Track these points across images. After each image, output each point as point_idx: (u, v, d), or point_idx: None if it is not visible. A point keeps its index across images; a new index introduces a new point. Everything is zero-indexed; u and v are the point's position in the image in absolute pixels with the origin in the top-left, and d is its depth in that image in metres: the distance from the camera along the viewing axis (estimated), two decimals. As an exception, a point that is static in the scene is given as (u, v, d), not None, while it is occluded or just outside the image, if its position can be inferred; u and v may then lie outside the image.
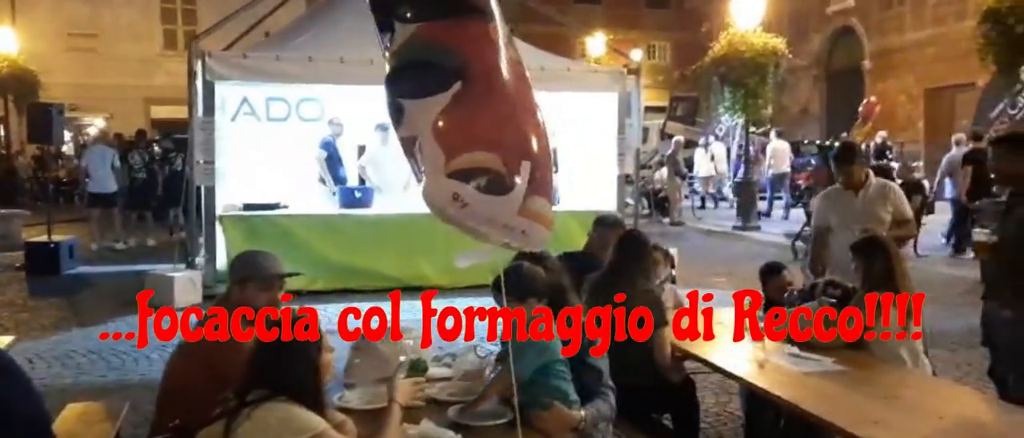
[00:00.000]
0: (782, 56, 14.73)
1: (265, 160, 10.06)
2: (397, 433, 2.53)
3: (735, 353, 4.14)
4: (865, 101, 17.36)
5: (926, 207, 12.39)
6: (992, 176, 4.73)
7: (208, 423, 2.35)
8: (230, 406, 2.32)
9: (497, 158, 2.64)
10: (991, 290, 4.55)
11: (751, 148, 18.04)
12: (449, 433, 2.67)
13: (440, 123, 2.61)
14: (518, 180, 2.68)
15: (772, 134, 18.54)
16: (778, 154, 18.07)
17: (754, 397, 4.34)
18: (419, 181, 2.74)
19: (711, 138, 21.52)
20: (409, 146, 2.74)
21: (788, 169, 18.20)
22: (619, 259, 4.17)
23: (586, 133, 10.63)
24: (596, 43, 27.54)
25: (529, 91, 2.86)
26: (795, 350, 3.95)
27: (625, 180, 11.01)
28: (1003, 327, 4.46)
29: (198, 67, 8.91)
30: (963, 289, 9.45)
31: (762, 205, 18.10)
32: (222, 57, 9.27)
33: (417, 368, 3.10)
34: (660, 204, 18.55)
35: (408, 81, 2.68)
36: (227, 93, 9.90)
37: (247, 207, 9.43)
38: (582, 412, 3.09)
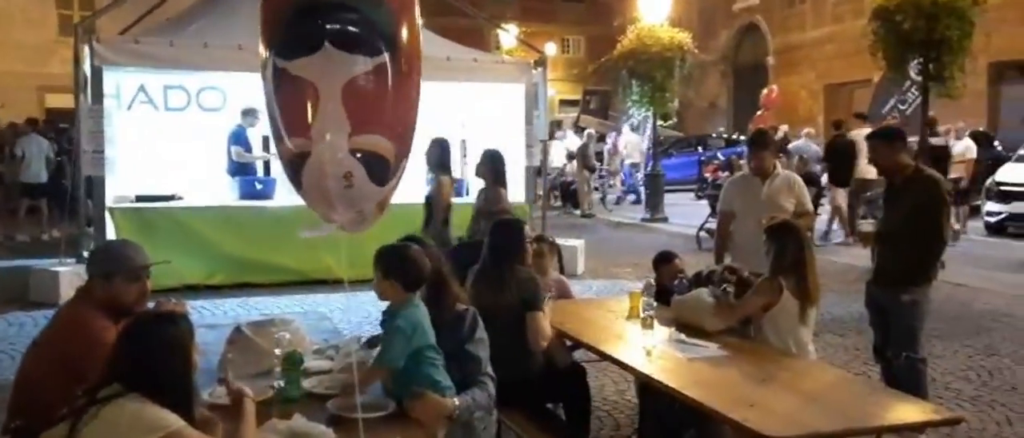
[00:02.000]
0: (689, 51, 14.99)
1: (163, 151, 9.69)
2: (252, 430, 2.43)
3: (626, 341, 4.18)
4: (766, 90, 17.95)
5: (821, 197, 12.84)
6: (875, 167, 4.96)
7: (53, 423, 2.21)
8: (78, 404, 2.19)
9: (392, 148, 2.58)
10: (876, 276, 4.75)
11: (609, 140, 18.81)
12: (320, 427, 2.60)
13: (354, 91, 2.44)
14: (396, 176, 2.63)
15: (625, 127, 19.48)
16: (630, 146, 19.45)
17: (647, 384, 4.40)
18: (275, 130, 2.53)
19: (623, 128, 21.89)
20: (288, 84, 2.49)
21: (639, 159, 19.59)
22: (494, 246, 4.16)
23: (494, 125, 10.59)
24: (509, 36, 27.57)
25: (419, 85, 2.78)
26: (682, 337, 4.01)
27: (535, 172, 11.03)
28: (887, 310, 4.68)
29: (86, 52, 8.49)
30: (855, 277, 9.81)
31: (612, 195, 19.76)
32: (111, 42, 8.86)
33: (293, 361, 3.02)
34: (571, 196, 18.72)
35: (336, 21, 2.45)
36: (122, 80, 9.48)
37: (140, 199, 9.07)
38: (456, 400, 3.06)
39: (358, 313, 6.99)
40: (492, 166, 6.82)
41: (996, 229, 13.19)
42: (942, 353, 6.52)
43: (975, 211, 13.45)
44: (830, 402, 3.29)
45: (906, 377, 4.50)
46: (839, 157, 12.64)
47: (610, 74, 17.22)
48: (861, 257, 10.50)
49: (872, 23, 10.30)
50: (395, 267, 3.07)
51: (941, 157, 11.80)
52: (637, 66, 14.91)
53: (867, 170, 11.88)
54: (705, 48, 22.60)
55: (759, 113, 16.54)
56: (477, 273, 4.13)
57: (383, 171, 2.58)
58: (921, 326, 4.65)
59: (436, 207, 6.74)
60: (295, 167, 2.56)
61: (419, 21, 2.70)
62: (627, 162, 19.79)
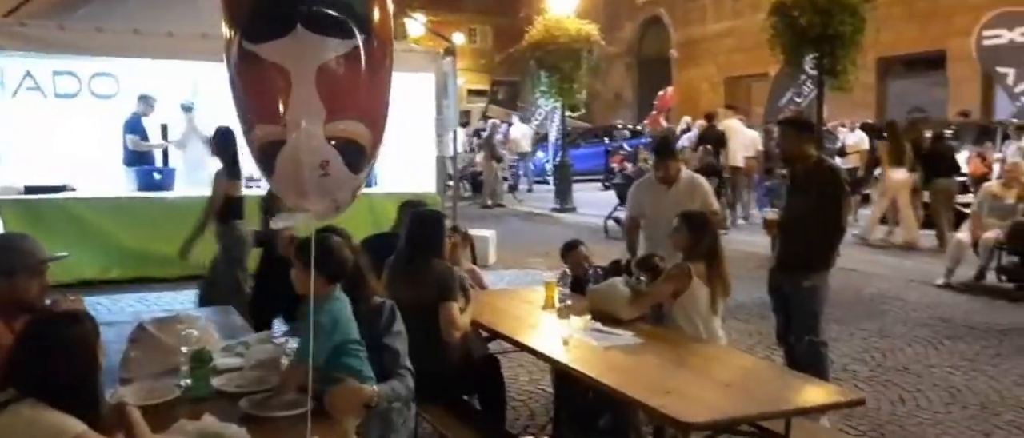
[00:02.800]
0: (595, 42, 15.18)
1: (53, 140, 9.18)
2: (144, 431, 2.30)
3: (542, 330, 4.20)
4: (662, 92, 18.40)
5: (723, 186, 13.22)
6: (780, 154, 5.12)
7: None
8: (-30, 412, 2.03)
9: (369, 135, 2.48)
10: (779, 263, 4.91)
11: (499, 132, 19.10)
12: (232, 427, 2.50)
13: (329, 75, 2.31)
14: (370, 164, 2.55)
15: (515, 118, 19.97)
16: (521, 136, 19.94)
17: (563, 373, 4.43)
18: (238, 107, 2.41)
19: (513, 120, 22.07)
20: (257, 68, 2.35)
21: (529, 149, 20.21)
22: (412, 238, 4.10)
23: (404, 114, 10.46)
24: (417, 25, 27.31)
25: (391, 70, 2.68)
26: (598, 325, 4.05)
27: (445, 162, 10.97)
28: (789, 296, 4.84)
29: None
30: (756, 264, 10.13)
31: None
32: (-7, 23, 8.35)
33: (201, 359, 2.90)
34: (481, 186, 18.73)
35: (309, 2, 2.30)
36: (6, 65, 8.94)
37: (29, 190, 8.58)
38: (376, 388, 3.00)
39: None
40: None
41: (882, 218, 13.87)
42: (838, 336, 6.79)
43: (866, 200, 14.11)
44: (742, 387, 3.38)
45: (808, 360, 4.65)
46: (712, 146, 13.77)
47: (518, 64, 17.28)
48: (760, 244, 10.86)
49: (770, 18, 10.62)
50: (319, 259, 2.98)
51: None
52: (545, 57, 15.01)
53: (734, 158, 13.74)
54: (611, 40, 22.92)
55: (652, 113, 17.02)
56: (393, 265, 4.07)
57: (359, 159, 2.49)
58: (821, 311, 4.81)
59: (212, 200, 6.34)
60: (266, 156, 2.42)
61: (390, 3, 2.59)
62: (516, 151, 20.24)
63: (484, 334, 4.37)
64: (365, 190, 7.41)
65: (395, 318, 3.31)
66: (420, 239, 4.10)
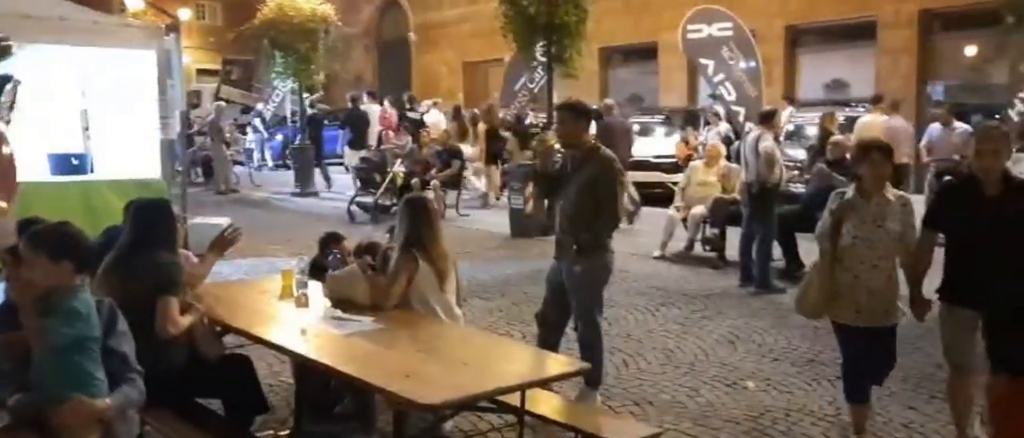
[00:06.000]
0: (331, 23, 14.92)
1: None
2: None
3: (279, 321, 4.06)
4: (380, 112, 18.88)
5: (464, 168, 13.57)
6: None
7: None
8: None
9: None
10: (556, 247, 4.99)
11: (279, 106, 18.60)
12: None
13: None
14: None
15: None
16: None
17: (303, 364, 4.31)
18: None
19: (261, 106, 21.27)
20: None
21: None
22: (135, 229, 3.80)
23: (123, 94, 9.61)
24: (136, -3, 25.16)
25: None
26: (337, 313, 3.99)
27: (171, 146, 10.23)
28: (563, 280, 4.90)
29: None
30: (495, 243, 10.54)
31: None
32: None
33: None
34: (212, 172, 17.71)
35: None
36: None
37: None
38: (108, 400, 2.76)
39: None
40: None
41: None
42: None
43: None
44: (480, 364, 3.49)
45: (587, 342, 4.82)
46: (355, 125, 15.74)
47: (251, 43, 16.58)
48: (499, 225, 11.34)
49: (502, 6, 11.04)
50: (67, 248, 2.71)
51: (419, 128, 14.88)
52: (279, 37, 14.54)
53: (372, 137, 15.73)
54: (349, 21, 22.58)
55: (386, 133, 17.42)
56: (111, 260, 3.72)
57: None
58: (597, 294, 4.91)
59: None
60: None
61: None
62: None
63: (218, 329, 4.14)
64: (79, 178, 6.75)
65: (116, 317, 3.04)
66: (143, 230, 3.79)
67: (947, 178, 6.73)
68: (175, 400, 3.61)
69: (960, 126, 11.19)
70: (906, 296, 4.15)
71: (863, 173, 4.07)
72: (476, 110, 15.90)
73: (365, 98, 17.35)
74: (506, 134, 14.00)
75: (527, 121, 15.10)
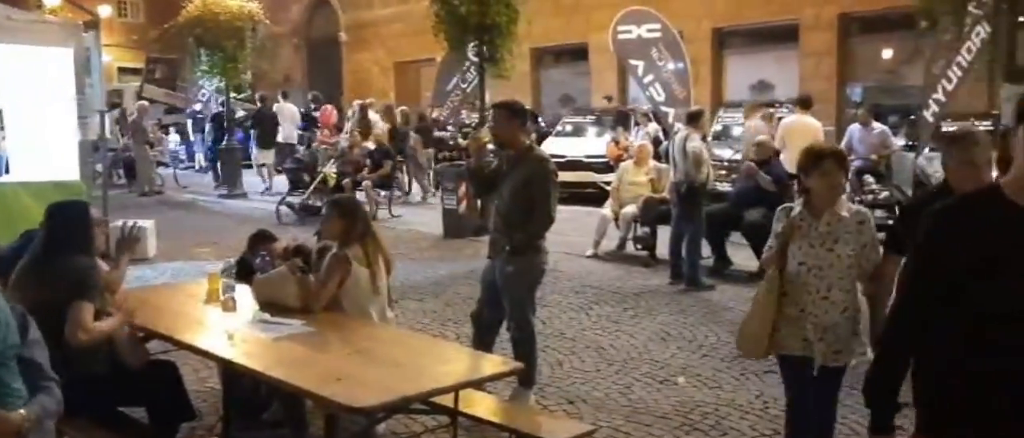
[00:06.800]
0: (259, 21, 14.65)
1: None
2: None
3: (205, 326, 3.96)
4: (322, 109, 18.84)
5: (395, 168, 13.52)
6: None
7: None
8: None
9: None
10: (490, 247, 4.97)
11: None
12: None
13: None
14: None
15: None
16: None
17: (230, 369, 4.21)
18: None
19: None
20: None
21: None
22: (49, 232, 3.66)
23: (38, 93, 9.26)
24: (53, -7, 24.27)
25: None
26: (266, 316, 3.92)
27: (92, 147, 9.90)
28: (497, 280, 4.88)
29: None
30: (428, 244, 10.48)
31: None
32: None
33: None
34: (134, 174, 17.19)
35: None
36: None
37: None
38: (23, 411, 2.64)
39: None
40: None
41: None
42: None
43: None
44: (413, 366, 3.47)
45: (520, 342, 4.81)
46: (263, 124, 15.93)
47: (176, 42, 16.16)
48: (432, 225, 11.28)
49: (434, 5, 11.00)
50: None
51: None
52: (205, 35, 14.20)
53: (289, 136, 16.22)
54: (277, 20, 22.18)
55: (323, 132, 17.42)
56: (25, 264, 3.57)
57: None
58: (530, 294, 4.90)
59: None
60: None
61: None
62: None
63: (141, 335, 4.01)
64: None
65: (29, 325, 2.91)
66: (59, 233, 3.65)
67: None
68: (96, 409, 3.49)
69: (878, 126, 11.61)
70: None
71: (813, 185, 3.43)
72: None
73: (280, 98, 17.50)
74: (408, 130, 14.26)
75: (450, 120, 15.73)
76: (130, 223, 4.26)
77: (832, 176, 3.40)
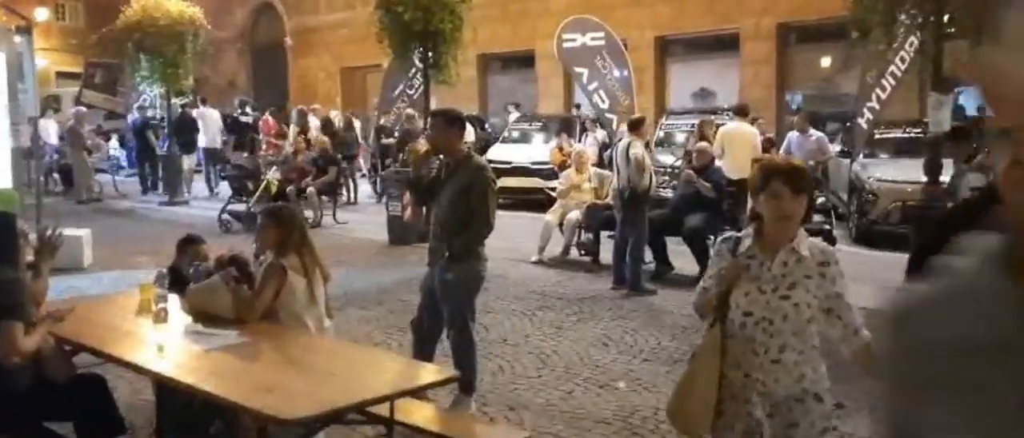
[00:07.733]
0: (201, 26, 14.43)
1: None
2: None
3: (136, 338, 3.89)
4: (263, 120, 18.84)
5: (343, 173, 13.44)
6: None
7: None
8: None
9: None
10: (429, 255, 4.95)
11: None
12: None
13: None
14: None
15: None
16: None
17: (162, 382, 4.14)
18: None
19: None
20: None
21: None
22: None
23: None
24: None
25: None
26: (199, 327, 3.85)
27: (24, 154, 9.65)
28: (436, 287, 4.86)
29: None
30: (372, 251, 10.42)
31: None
32: None
33: None
34: (71, 181, 16.76)
35: None
36: None
37: None
38: None
39: None
40: None
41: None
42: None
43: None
44: (348, 375, 3.45)
45: (459, 349, 4.80)
46: (183, 129, 16.02)
47: (115, 46, 15.84)
48: (377, 232, 11.22)
49: (378, 12, 10.96)
50: None
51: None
52: (145, 39, 13.95)
53: (214, 142, 16.51)
54: (221, 25, 21.91)
55: (269, 139, 17.40)
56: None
57: None
58: (469, 301, 4.89)
59: None
60: None
61: None
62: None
63: (68, 348, 3.92)
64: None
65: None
66: None
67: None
68: (20, 425, 3.40)
69: (815, 133, 11.89)
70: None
71: (763, 211, 2.70)
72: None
73: (200, 104, 17.47)
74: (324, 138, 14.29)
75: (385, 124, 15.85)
76: (49, 229, 4.13)
77: (782, 201, 2.63)
